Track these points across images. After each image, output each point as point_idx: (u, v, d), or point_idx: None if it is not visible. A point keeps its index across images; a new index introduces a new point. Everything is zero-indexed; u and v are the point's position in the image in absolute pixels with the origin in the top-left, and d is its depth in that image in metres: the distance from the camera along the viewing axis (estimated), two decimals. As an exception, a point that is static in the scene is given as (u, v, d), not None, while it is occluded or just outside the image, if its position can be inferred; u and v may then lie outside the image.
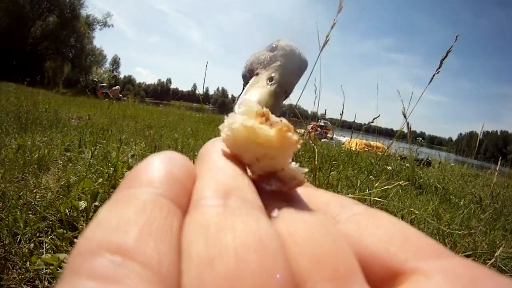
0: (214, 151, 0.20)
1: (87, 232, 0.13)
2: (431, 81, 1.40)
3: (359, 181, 2.20)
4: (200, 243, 0.13)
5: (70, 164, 2.11)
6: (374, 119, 1.63)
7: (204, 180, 0.17)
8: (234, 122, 0.20)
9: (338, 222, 0.18)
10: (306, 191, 0.21)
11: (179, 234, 0.14)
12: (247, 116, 0.20)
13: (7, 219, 1.26)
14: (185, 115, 8.37)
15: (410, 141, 1.44)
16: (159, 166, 0.17)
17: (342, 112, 2.16)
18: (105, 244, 0.12)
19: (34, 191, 1.57)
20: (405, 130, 1.42)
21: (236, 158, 0.20)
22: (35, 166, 1.94)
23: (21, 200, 1.44)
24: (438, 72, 1.37)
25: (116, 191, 0.16)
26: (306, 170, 0.20)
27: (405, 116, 1.34)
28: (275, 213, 0.17)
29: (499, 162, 3.10)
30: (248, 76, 0.65)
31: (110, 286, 0.11)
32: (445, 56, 1.34)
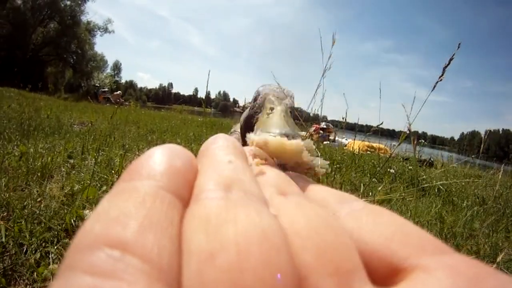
0: (215, 146, 0.20)
1: (86, 225, 0.13)
2: (434, 88, 1.39)
3: (362, 185, 2.19)
4: (201, 237, 0.13)
5: (74, 172, 2.11)
6: (377, 125, 1.62)
7: (205, 173, 0.17)
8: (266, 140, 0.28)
9: (338, 217, 0.18)
10: (306, 186, 0.21)
11: (180, 227, 0.14)
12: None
13: (12, 230, 1.25)
14: (187, 119, 8.37)
15: (414, 149, 1.44)
16: (161, 158, 0.17)
17: (345, 118, 2.17)
18: (104, 237, 0.12)
19: (39, 200, 1.57)
20: (408, 131, 1.42)
21: (239, 151, 0.20)
22: (39, 174, 1.93)
23: (25, 210, 1.43)
24: (441, 80, 1.36)
25: (116, 184, 0.15)
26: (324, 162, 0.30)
27: (409, 130, 1.34)
28: (277, 206, 0.16)
29: (503, 163, 3.08)
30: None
31: (107, 281, 0.11)
32: (448, 64, 1.34)
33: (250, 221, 0.13)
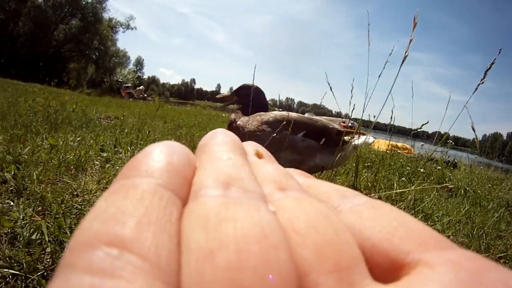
0: (214, 142, 0.20)
1: (83, 223, 0.13)
2: (475, 90, 1.39)
3: (395, 183, 2.18)
4: (200, 234, 0.13)
5: (108, 165, 2.12)
6: (422, 125, 1.61)
7: (204, 170, 0.17)
8: None
9: (340, 212, 0.17)
10: (306, 182, 0.21)
11: (179, 225, 0.14)
12: None
13: (51, 227, 1.23)
14: (211, 115, 8.46)
15: (479, 150, 1.43)
16: (159, 155, 0.17)
17: (377, 117, 2.16)
18: (102, 236, 0.12)
19: (75, 193, 1.58)
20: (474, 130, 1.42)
21: (239, 147, 0.20)
22: (72, 167, 1.95)
23: (63, 205, 1.41)
24: (482, 83, 1.36)
25: (114, 181, 0.15)
26: None
27: (473, 129, 1.33)
28: (276, 202, 0.16)
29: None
30: None
31: (106, 280, 0.11)
32: (489, 68, 1.34)
33: (249, 219, 0.13)
